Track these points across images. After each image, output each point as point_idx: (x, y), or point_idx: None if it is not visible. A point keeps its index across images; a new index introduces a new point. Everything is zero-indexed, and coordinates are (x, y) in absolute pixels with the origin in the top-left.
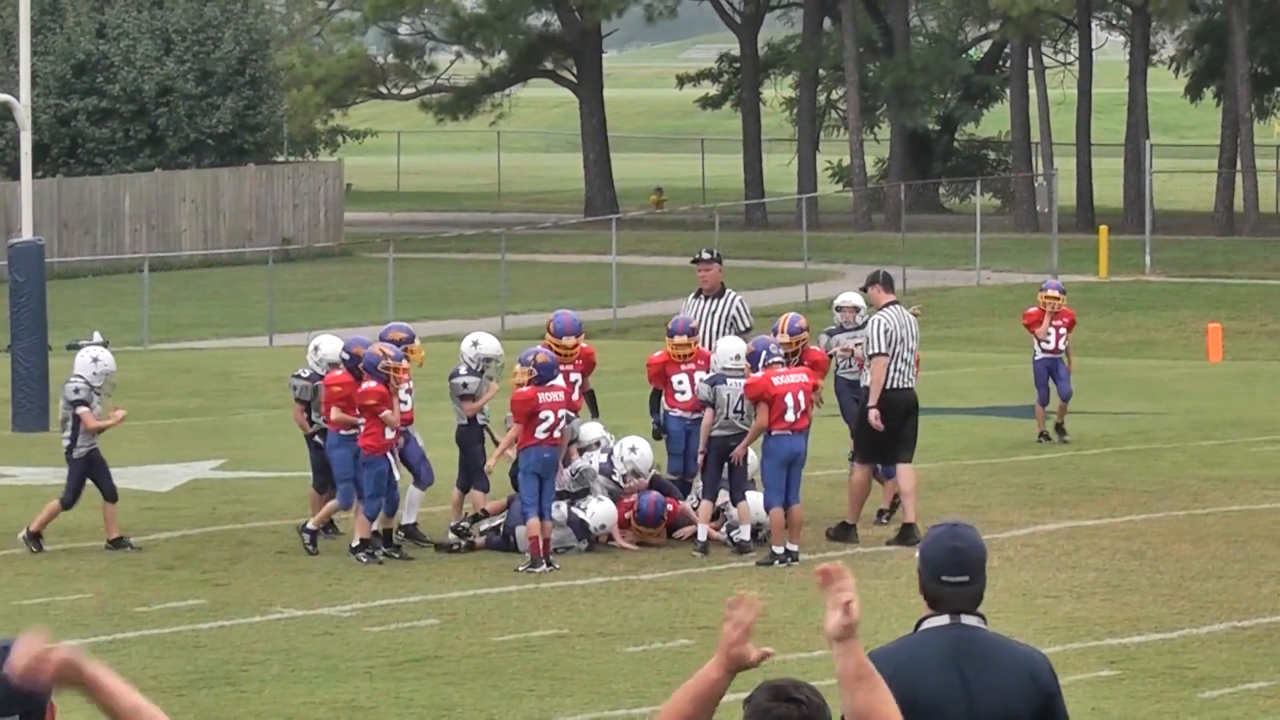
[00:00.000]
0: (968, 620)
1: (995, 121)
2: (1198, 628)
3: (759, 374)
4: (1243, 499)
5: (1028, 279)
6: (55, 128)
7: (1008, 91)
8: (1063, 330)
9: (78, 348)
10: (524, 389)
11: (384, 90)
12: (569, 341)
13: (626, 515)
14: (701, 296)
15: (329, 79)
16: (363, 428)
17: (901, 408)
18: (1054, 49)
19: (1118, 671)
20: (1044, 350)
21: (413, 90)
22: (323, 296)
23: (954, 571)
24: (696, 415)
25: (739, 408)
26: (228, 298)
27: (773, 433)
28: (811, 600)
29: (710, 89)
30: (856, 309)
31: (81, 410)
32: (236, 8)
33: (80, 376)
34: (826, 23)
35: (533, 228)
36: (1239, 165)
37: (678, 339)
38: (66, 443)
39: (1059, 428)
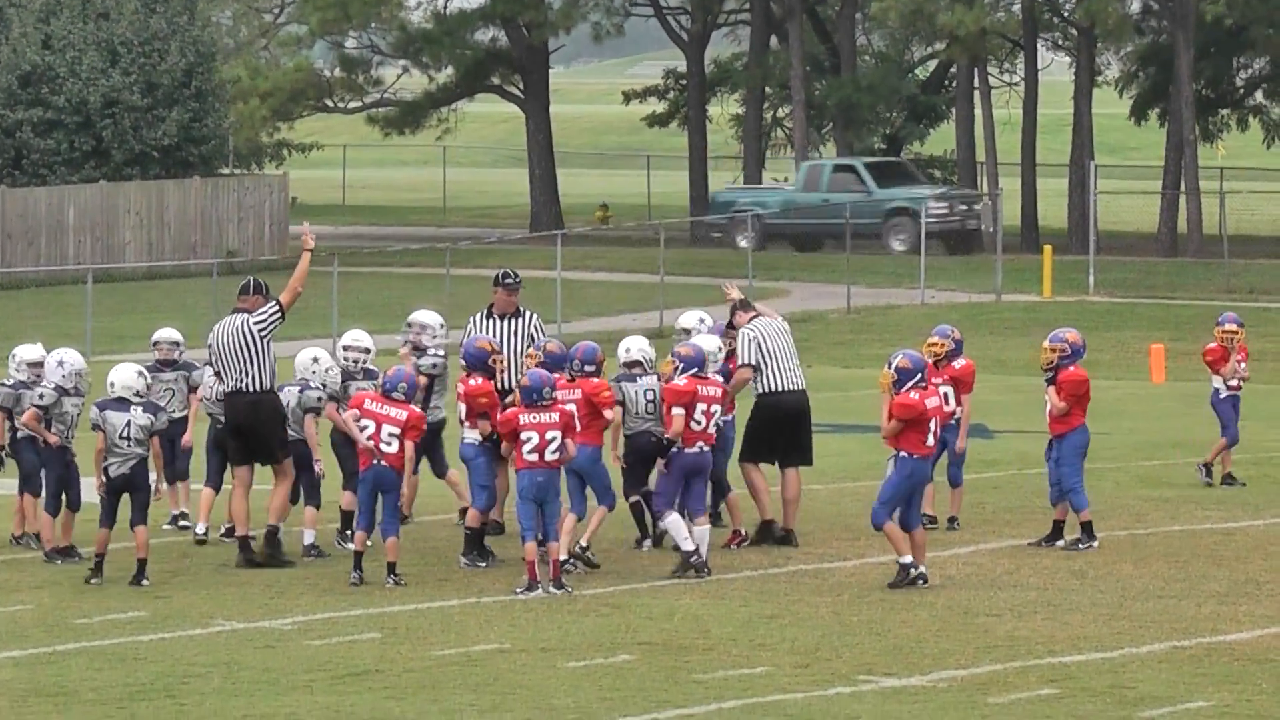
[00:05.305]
0: None
1: (941, 141)
2: (1138, 647)
3: (913, 395)
4: (1184, 519)
5: (972, 299)
6: (0, 138)
7: (953, 111)
8: (1242, 365)
9: None
10: (509, 410)
11: (330, 104)
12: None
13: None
14: (495, 316)
15: (275, 92)
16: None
17: (792, 409)
18: (1000, 69)
19: (1058, 690)
20: (1229, 387)
21: (359, 104)
22: None
23: None
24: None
25: (649, 408)
26: (172, 310)
27: (912, 455)
28: (754, 615)
29: (657, 106)
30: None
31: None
32: (183, 20)
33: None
34: (773, 41)
35: (478, 243)
36: (1183, 187)
37: None
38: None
39: (1229, 476)
